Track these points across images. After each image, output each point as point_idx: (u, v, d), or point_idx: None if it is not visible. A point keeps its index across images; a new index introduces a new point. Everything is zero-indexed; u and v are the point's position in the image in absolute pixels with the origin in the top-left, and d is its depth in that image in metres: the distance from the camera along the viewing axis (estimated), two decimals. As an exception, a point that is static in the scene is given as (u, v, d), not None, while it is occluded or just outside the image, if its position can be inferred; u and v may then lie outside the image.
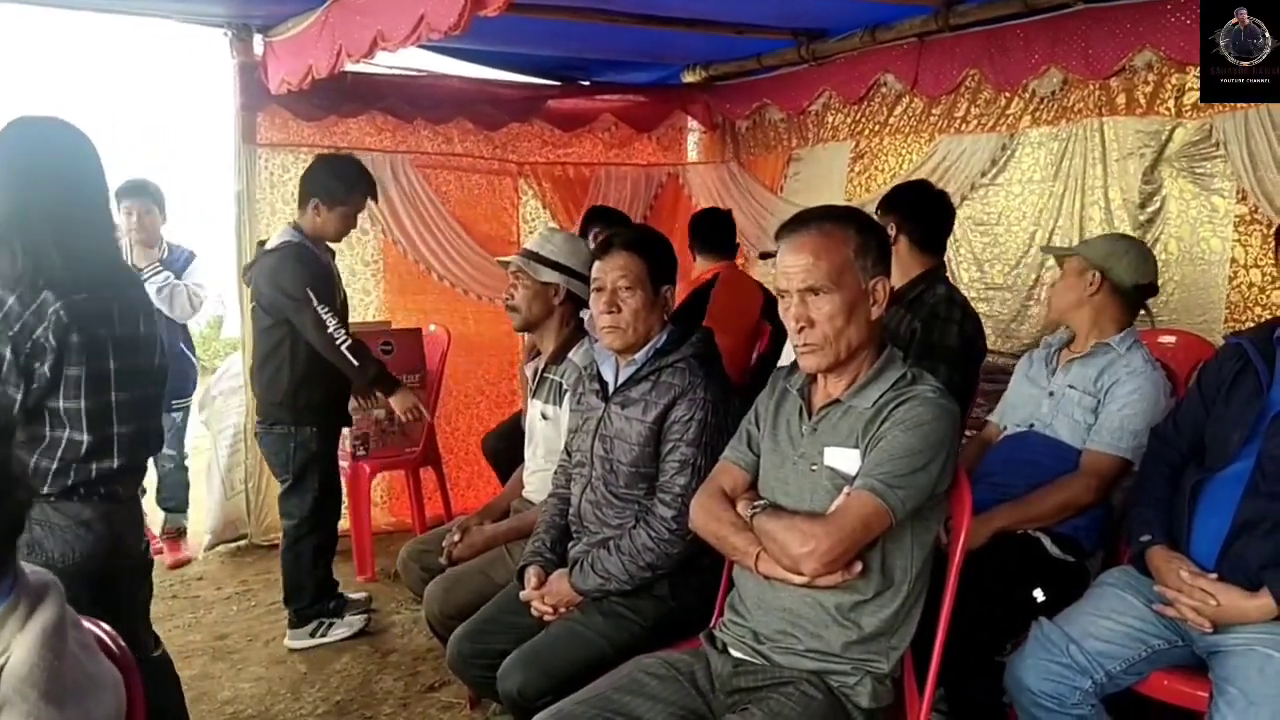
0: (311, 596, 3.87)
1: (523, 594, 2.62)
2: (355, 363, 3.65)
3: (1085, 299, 2.84)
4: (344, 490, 4.25)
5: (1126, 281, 2.81)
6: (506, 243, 5.48)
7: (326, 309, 3.59)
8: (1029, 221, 4.04)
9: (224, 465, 5.00)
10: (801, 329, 2.02)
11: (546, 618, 2.56)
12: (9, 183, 2.20)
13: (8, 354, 2.13)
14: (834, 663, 2.01)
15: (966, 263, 4.28)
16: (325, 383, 3.73)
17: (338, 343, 3.61)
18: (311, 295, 3.57)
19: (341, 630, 3.90)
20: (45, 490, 2.21)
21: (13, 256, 2.16)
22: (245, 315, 4.81)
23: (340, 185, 3.71)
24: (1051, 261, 3.92)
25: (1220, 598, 2.15)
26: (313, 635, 3.87)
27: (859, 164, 4.79)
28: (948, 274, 3.36)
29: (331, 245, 3.87)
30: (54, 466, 2.22)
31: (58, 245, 2.18)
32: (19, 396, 2.15)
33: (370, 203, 5.09)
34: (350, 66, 3.98)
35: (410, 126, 5.22)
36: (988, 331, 4.09)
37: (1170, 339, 3.26)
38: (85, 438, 2.24)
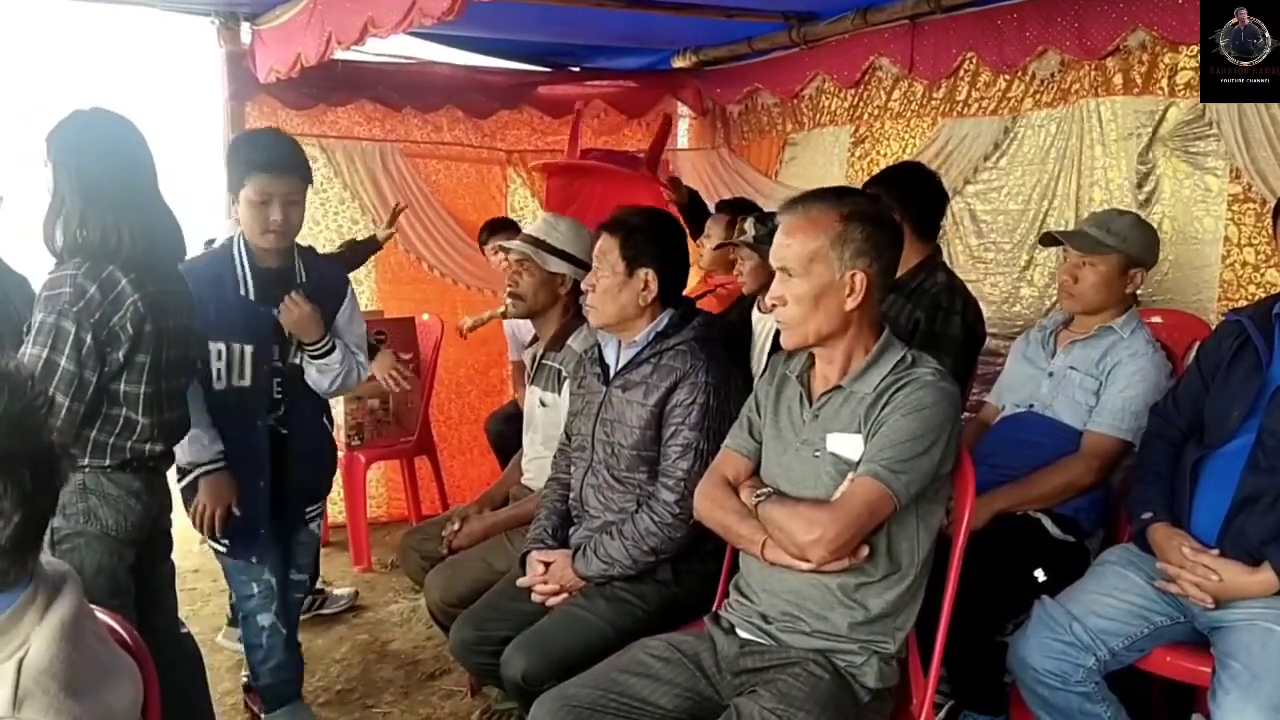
0: None
1: (522, 580, 2.62)
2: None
3: (1124, 295, 2.80)
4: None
5: (1151, 269, 2.84)
6: (495, 231, 5.47)
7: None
8: (1030, 204, 4.03)
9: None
10: (775, 306, 2.06)
11: (550, 602, 2.56)
12: (78, 169, 2.27)
13: (89, 340, 2.22)
14: (840, 643, 2.01)
15: (970, 247, 4.27)
16: None
17: None
18: None
19: None
20: (106, 463, 2.34)
21: (89, 237, 2.25)
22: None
23: None
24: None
25: (1222, 573, 2.16)
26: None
27: (860, 149, 4.77)
28: (944, 259, 3.35)
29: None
30: (112, 441, 2.34)
31: (125, 230, 2.27)
32: (93, 379, 2.26)
33: (362, 192, 5.10)
34: (340, 54, 3.95)
35: (399, 115, 5.20)
36: (991, 314, 4.11)
37: (1160, 319, 3.27)
38: (142, 420, 2.36)
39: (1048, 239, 3.04)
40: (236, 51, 4.67)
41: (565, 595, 2.55)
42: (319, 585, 4.06)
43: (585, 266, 2.96)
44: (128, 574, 2.40)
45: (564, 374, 3.03)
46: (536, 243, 3.07)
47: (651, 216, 2.74)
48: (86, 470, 2.32)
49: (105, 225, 2.25)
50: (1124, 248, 2.79)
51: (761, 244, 3.52)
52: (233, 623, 3.72)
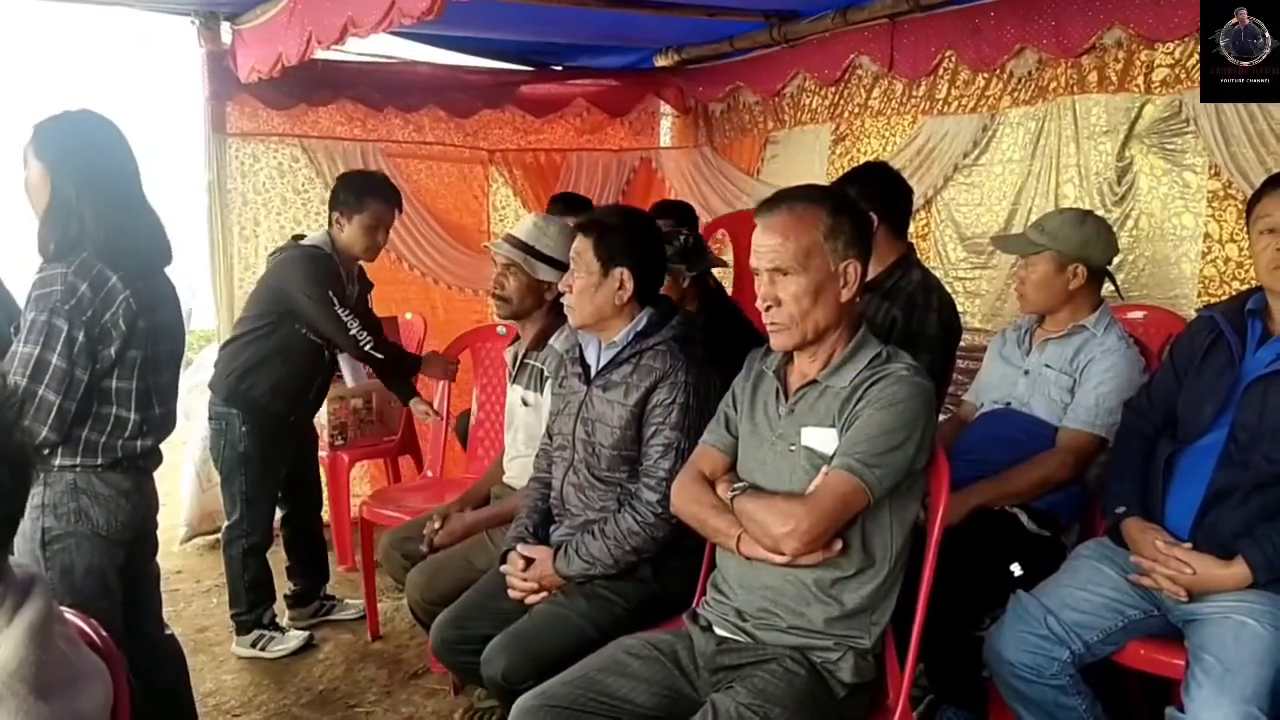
0: (245, 604, 3.76)
1: (504, 568, 2.61)
2: (382, 356, 3.69)
3: (1069, 292, 2.80)
4: (315, 490, 4.21)
5: (1102, 263, 2.83)
6: (477, 231, 5.49)
7: (348, 312, 3.59)
8: (1009, 201, 4.06)
9: (199, 457, 4.95)
10: (769, 308, 2.05)
11: (529, 600, 2.55)
12: (81, 170, 2.28)
13: (80, 338, 2.23)
14: (816, 639, 2.02)
15: (953, 243, 4.30)
16: (274, 381, 3.66)
17: (363, 344, 3.61)
18: (333, 298, 3.56)
19: (280, 646, 3.75)
20: (97, 462, 2.34)
21: (94, 237, 2.26)
22: (220, 305, 4.79)
23: (352, 194, 3.65)
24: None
25: (1195, 566, 2.18)
26: (253, 646, 3.76)
27: (840, 146, 4.80)
28: (918, 257, 3.36)
29: (364, 267, 3.85)
30: (103, 440, 2.34)
31: (134, 230, 2.32)
32: (85, 377, 2.26)
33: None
34: (320, 54, 3.95)
35: (381, 115, 5.19)
36: (975, 310, 4.13)
37: (1139, 314, 3.29)
38: (133, 416, 2.37)
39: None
40: (217, 51, 4.65)
41: (545, 594, 2.55)
42: (328, 591, 4.12)
43: None
44: (117, 575, 2.40)
45: (546, 373, 3.03)
46: (526, 249, 3.06)
47: (626, 216, 2.75)
48: (78, 470, 2.32)
49: (104, 225, 2.27)
50: (1054, 245, 2.79)
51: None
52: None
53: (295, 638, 3.79)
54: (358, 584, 4.39)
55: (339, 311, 3.57)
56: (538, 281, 3.06)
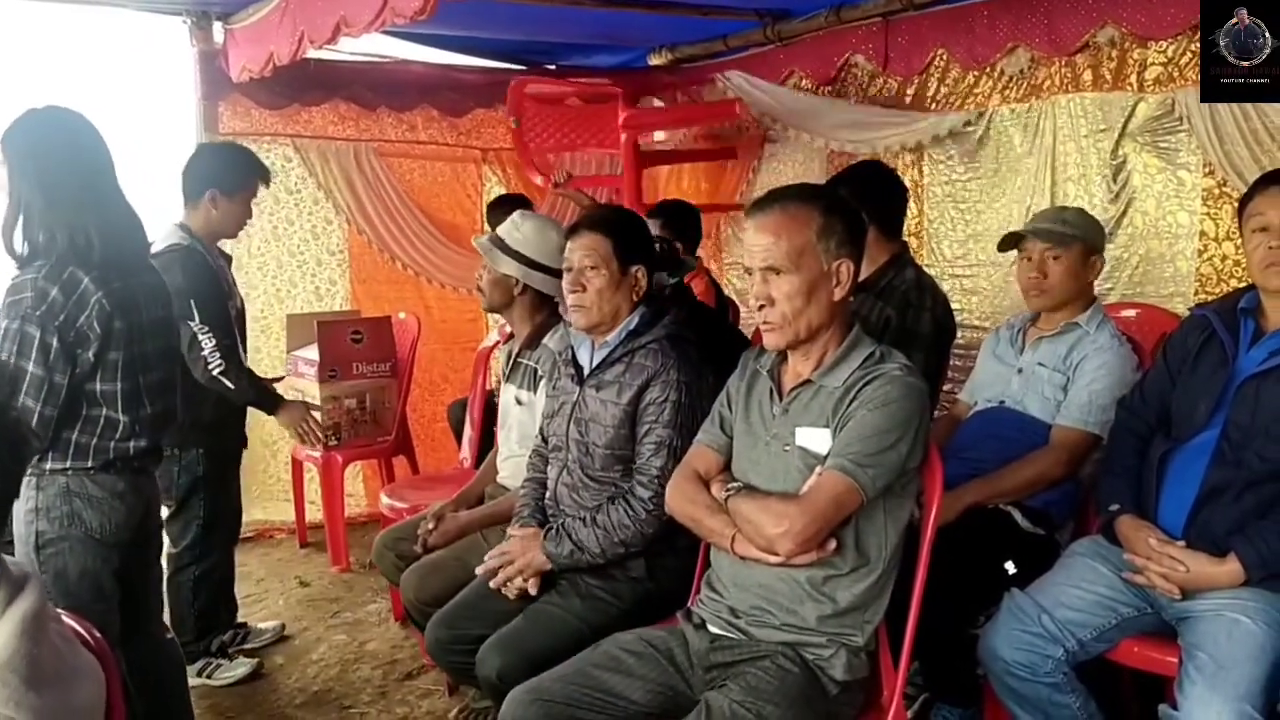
0: (193, 633, 3.54)
1: (483, 569, 2.60)
2: (230, 385, 3.38)
3: (1088, 285, 2.84)
4: (241, 515, 3.92)
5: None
6: (470, 230, 5.48)
7: (206, 328, 3.29)
8: (1007, 199, 4.06)
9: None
10: (762, 307, 2.06)
11: (500, 579, 2.54)
12: (36, 170, 2.26)
13: (55, 343, 2.21)
14: (809, 636, 2.03)
15: (950, 241, 4.30)
16: (216, 400, 3.43)
17: (210, 367, 3.32)
18: (194, 310, 3.28)
19: (228, 674, 3.55)
20: (88, 465, 2.32)
21: (51, 239, 2.24)
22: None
23: (238, 170, 3.45)
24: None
25: (1188, 564, 2.18)
26: (199, 675, 3.50)
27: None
28: (911, 255, 3.36)
29: (225, 246, 3.61)
30: (94, 443, 2.33)
31: (91, 228, 2.26)
32: (64, 381, 2.24)
33: (336, 192, 5.10)
34: (313, 53, 3.95)
35: (374, 114, 5.19)
36: (974, 308, 4.14)
37: (1132, 312, 3.30)
38: (122, 418, 2.35)
39: (1007, 242, 2.97)
40: (209, 51, 4.66)
41: (521, 574, 2.53)
42: (240, 619, 3.87)
43: (541, 269, 2.95)
44: (113, 578, 2.39)
45: (540, 373, 3.03)
46: (495, 241, 3.07)
47: (630, 214, 2.78)
48: (69, 473, 2.30)
49: (70, 226, 2.24)
50: (1084, 236, 2.83)
51: None
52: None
53: (243, 665, 3.59)
54: (351, 584, 4.40)
55: (195, 327, 3.28)
56: (504, 275, 3.05)
